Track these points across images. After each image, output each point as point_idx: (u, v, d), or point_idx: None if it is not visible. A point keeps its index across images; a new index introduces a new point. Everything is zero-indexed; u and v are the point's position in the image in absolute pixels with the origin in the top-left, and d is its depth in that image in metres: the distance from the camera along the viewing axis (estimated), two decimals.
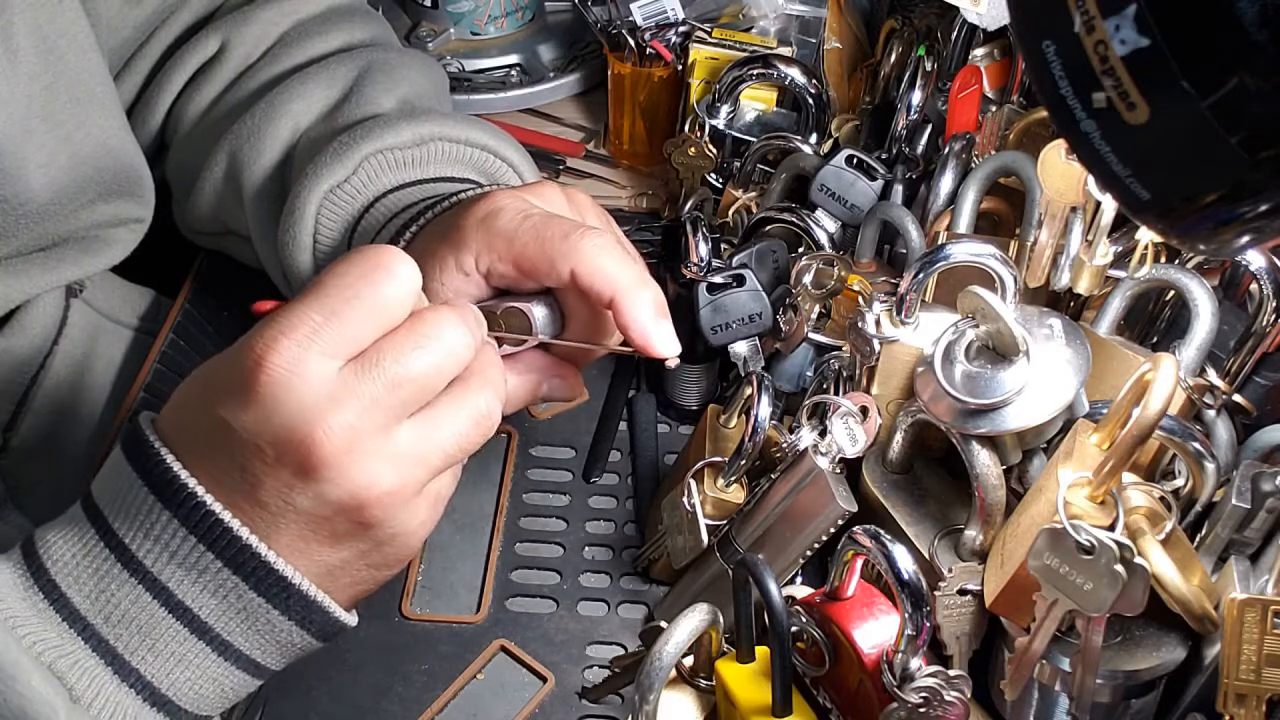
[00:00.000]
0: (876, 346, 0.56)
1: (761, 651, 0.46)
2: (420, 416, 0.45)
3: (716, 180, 0.82)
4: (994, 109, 0.69)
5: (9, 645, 0.42)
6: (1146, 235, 0.54)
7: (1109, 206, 0.54)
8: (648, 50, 0.90)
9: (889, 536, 0.44)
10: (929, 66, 0.71)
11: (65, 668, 0.43)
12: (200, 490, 0.44)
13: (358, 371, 0.44)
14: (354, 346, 0.44)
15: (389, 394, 0.44)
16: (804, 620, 0.47)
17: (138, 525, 0.44)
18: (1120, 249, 0.57)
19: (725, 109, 0.82)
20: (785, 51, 0.86)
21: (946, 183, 0.66)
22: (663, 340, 0.52)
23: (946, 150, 0.66)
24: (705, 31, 0.88)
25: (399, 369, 0.44)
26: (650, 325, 0.51)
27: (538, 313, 0.53)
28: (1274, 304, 0.52)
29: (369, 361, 0.44)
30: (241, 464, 0.43)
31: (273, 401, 0.42)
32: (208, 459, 0.44)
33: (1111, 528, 0.45)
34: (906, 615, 0.43)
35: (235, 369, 0.43)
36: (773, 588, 0.42)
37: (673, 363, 0.52)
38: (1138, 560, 0.44)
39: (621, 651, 0.61)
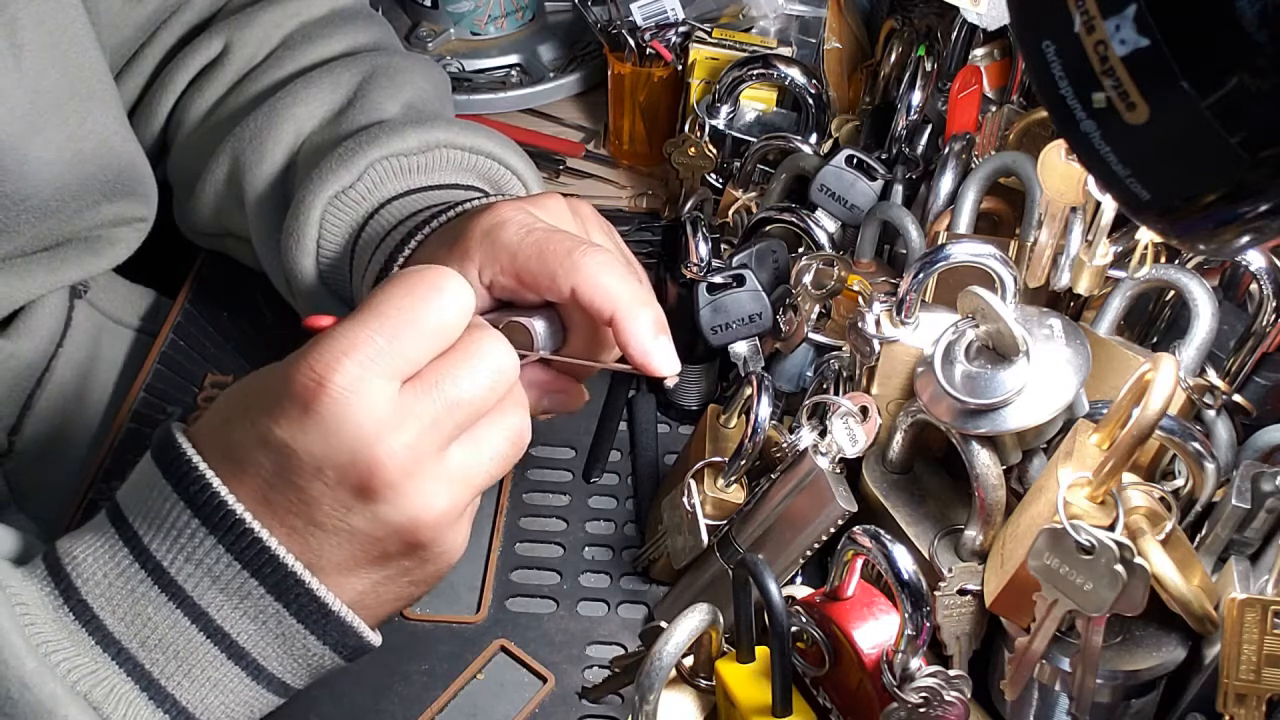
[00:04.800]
0: (876, 346, 0.56)
1: (761, 651, 0.46)
2: (466, 438, 0.46)
3: (716, 180, 0.82)
4: (994, 109, 0.69)
5: (44, 678, 0.41)
6: (1146, 235, 0.54)
7: (1109, 206, 0.54)
8: (648, 50, 0.90)
9: (889, 536, 0.44)
10: (929, 66, 0.71)
11: (101, 696, 0.43)
12: (248, 516, 0.43)
13: (416, 393, 0.44)
14: (412, 368, 0.44)
15: (447, 416, 0.44)
16: (804, 620, 0.47)
17: (177, 546, 0.44)
18: (1120, 249, 0.57)
19: (725, 109, 0.82)
20: (785, 51, 0.86)
21: (946, 183, 0.66)
22: (662, 359, 0.52)
23: (946, 150, 0.66)
24: (705, 31, 0.89)
25: (457, 392, 0.44)
26: (650, 344, 0.51)
27: (539, 327, 0.53)
28: (1274, 304, 0.52)
29: (428, 384, 0.44)
30: (299, 484, 0.43)
31: (335, 422, 0.42)
32: (257, 477, 0.43)
33: (1111, 528, 0.45)
34: (906, 615, 0.43)
35: (292, 386, 0.42)
36: (773, 588, 0.43)
37: (672, 381, 0.53)
38: (1138, 560, 0.44)
39: (621, 651, 0.61)
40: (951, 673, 0.43)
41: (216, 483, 0.43)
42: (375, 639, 0.48)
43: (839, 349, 0.63)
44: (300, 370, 0.42)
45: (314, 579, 0.44)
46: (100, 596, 0.44)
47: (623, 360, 0.53)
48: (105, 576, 0.44)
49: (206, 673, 0.45)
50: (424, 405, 0.44)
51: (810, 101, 0.79)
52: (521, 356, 0.53)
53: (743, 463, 0.58)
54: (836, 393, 0.61)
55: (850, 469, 0.58)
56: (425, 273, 0.45)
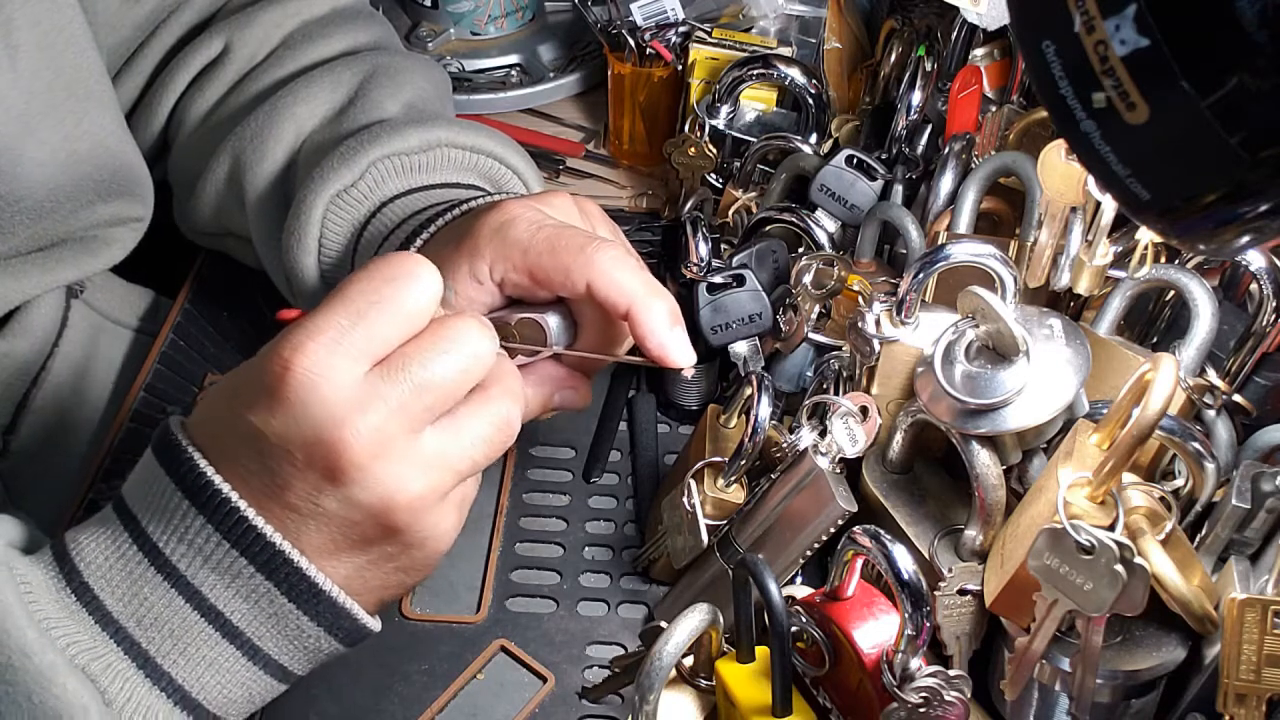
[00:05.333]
0: (876, 346, 0.56)
1: (761, 651, 0.46)
2: (444, 422, 0.46)
3: (716, 180, 0.82)
4: (994, 109, 0.69)
5: (44, 647, 0.42)
6: (1146, 235, 0.54)
7: (1109, 206, 0.54)
8: (648, 50, 0.90)
9: (889, 536, 0.44)
10: (929, 66, 0.71)
11: (98, 670, 0.44)
12: (234, 495, 0.44)
13: (384, 376, 0.44)
14: (380, 350, 0.44)
15: (415, 399, 0.44)
16: (804, 620, 0.47)
17: (171, 528, 0.45)
18: (1120, 249, 0.57)
19: (725, 109, 0.82)
20: (785, 51, 0.86)
21: (946, 183, 0.66)
22: (679, 350, 0.52)
23: (946, 150, 0.66)
24: (705, 31, 0.89)
25: (425, 374, 0.44)
26: (666, 335, 0.52)
27: (552, 323, 0.53)
28: (1274, 304, 0.52)
29: (395, 366, 0.44)
30: (271, 467, 0.44)
31: (300, 405, 0.42)
32: (238, 463, 0.44)
33: (1111, 528, 0.45)
34: (906, 615, 0.43)
35: (262, 374, 0.43)
36: (773, 588, 0.42)
37: (689, 372, 0.53)
38: (1138, 560, 0.44)
39: (621, 651, 0.61)
40: (951, 673, 0.43)
41: (203, 464, 0.44)
42: (373, 624, 0.48)
43: (839, 349, 0.63)
44: (268, 357, 0.43)
45: (302, 557, 0.45)
46: (101, 578, 0.45)
47: (636, 353, 0.53)
48: (106, 560, 0.45)
49: (201, 651, 0.45)
50: (390, 387, 0.44)
51: (810, 101, 0.79)
52: (534, 353, 0.53)
53: (743, 463, 0.58)
54: (836, 393, 0.61)
55: (850, 469, 0.58)
56: (391, 258, 0.46)
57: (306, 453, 0.43)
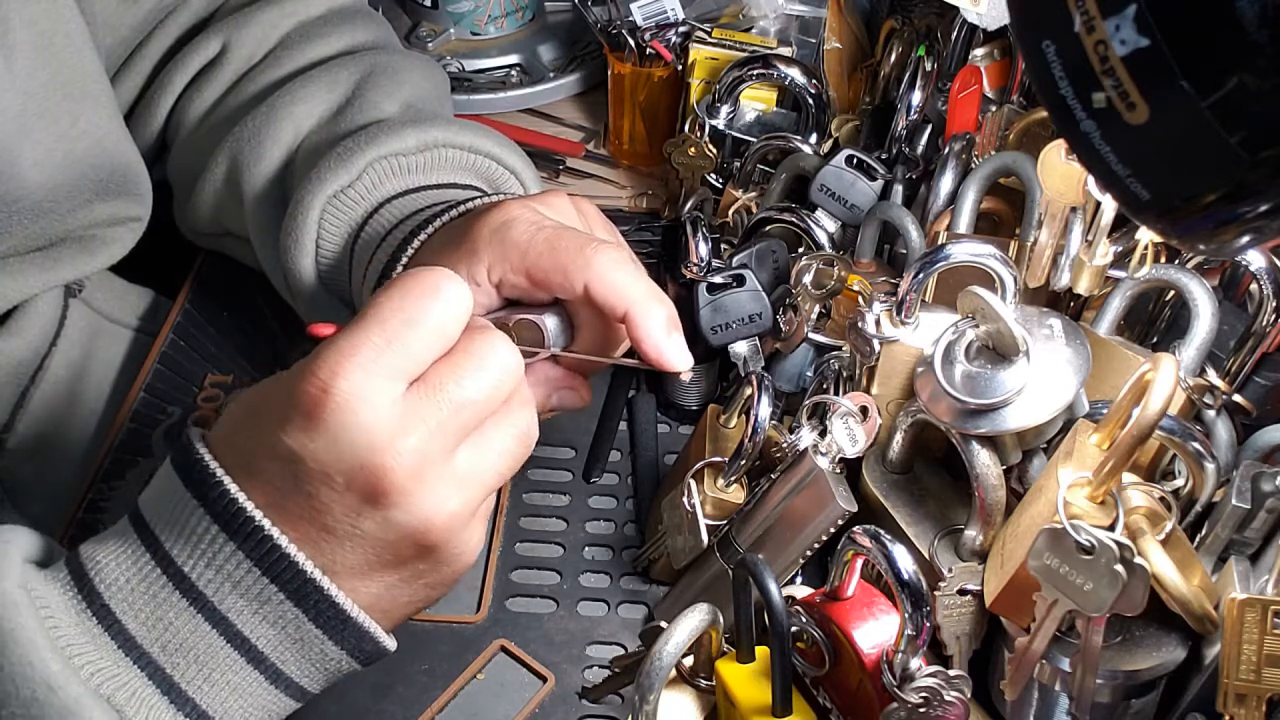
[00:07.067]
0: (876, 346, 0.56)
1: (761, 651, 0.46)
2: (473, 438, 0.46)
3: (716, 180, 0.82)
4: (994, 109, 0.69)
5: (69, 678, 0.42)
6: (1146, 235, 0.54)
7: (1109, 206, 0.54)
8: (648, 50, 0.90)
9: (889, 536, 0.44)
10: (929, 66, 0.71)
11: (123, 699, 0.43)
12: (267, 523, 0.43)
13: (422, 396, 0.44)
14: (414, 369, 0.44)
15: (453, 418, 0.44)
16: (804, 620, 0.47)
17: (199, 553, 0.44)
18: (1120, 249, 0.57)
19: (725, 109, 0.82)
20: (785, 51, 0.86)
21: (946, 183, 0.66)
22: (675, 354, 0.52)
23: (946, 150, 0.66)
24: (705, 31, 0.89)
25: (461, 393, 0.44)
26: (663, 340, 0.52)
27: (550, 324, 0.53)
28: (1274, 304, 0.52)
29: (432, 386, 0.44)
30: (308, 490, 0.43)
31: (340, 428, 0.42)
32: (269, 485, 0.43)
33: (1111, 528, 0.45)
34: (906, 615, 0.43)
35: (297, 395, 0.42)
36: (773, 588, 0.42)
37: (686, 376, 0.53)
38: (1138, 560, 0.44)
39: (621, 651, 0.61)
40: (951, 673, 0.43)
41: (234, 489, 0.43)
42: (391, 644, 0.48)
43: (839, 349, 0.63)
44: (304, 379, 0.42)
45: (332, 585, 0.44)
46: (123, 601, 0.44)
47: (633, 355, 0.53)
48: (128, 582, 0.44)
49: (226, 677, 0.45)
50: (429, 408, 0.43)
51: (810, 101, 0.79)
52: (532, 354, 0.53)
53: (743, 463, 0.58)
54: (836, 393, 0.61)
55: (850, 469, 0.58)
56: (422, 274, 0.45)
57: (347, 478, 0.42)
